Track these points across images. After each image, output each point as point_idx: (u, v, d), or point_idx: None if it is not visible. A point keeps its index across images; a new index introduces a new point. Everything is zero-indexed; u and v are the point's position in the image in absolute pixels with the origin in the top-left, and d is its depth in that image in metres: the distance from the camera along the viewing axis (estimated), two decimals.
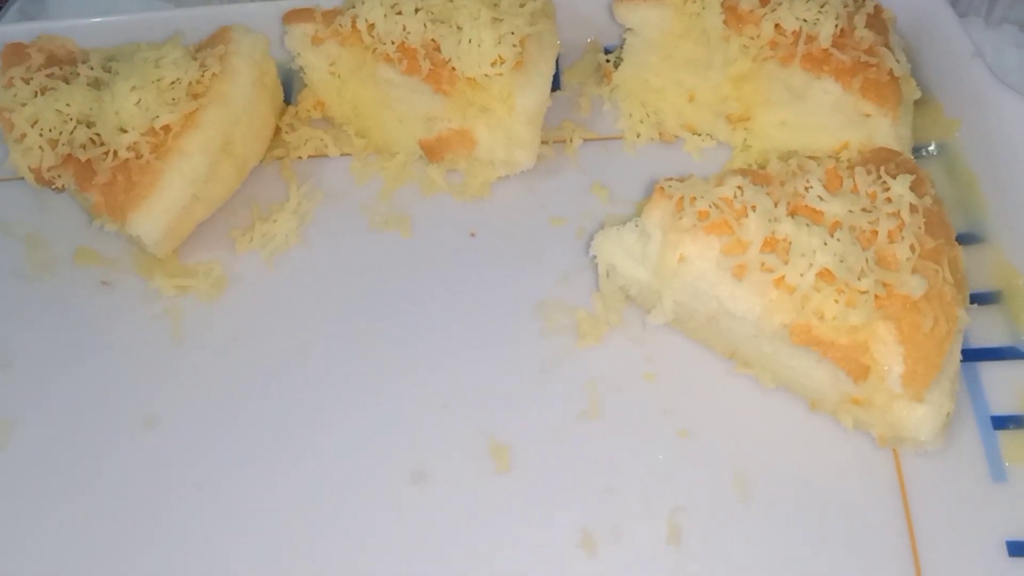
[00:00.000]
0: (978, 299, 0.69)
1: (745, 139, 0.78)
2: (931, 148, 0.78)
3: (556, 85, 0.83)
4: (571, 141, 0.81)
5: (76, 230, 0.79)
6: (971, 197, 0.74)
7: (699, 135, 0.80)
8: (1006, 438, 0.63)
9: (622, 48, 0.81)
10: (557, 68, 0.83)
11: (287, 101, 0.85)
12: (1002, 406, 0.65)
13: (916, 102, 0.75)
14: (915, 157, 0.76)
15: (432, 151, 0.78)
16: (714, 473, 0.64)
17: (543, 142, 0.79)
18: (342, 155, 0.83)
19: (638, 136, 0.81)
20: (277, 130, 0.83)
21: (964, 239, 0.71)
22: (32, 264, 0.78)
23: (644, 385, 0.68)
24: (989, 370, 0.66)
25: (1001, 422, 0.64)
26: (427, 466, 0.64)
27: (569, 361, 0.69)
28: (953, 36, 0.79)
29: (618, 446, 0.66)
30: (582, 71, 0.86)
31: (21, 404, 0.71)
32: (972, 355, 0.66)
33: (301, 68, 0.81)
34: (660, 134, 0.81)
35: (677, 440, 0.65)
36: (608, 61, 0.84)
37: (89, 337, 0.74)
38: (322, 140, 0.83)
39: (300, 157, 0.83)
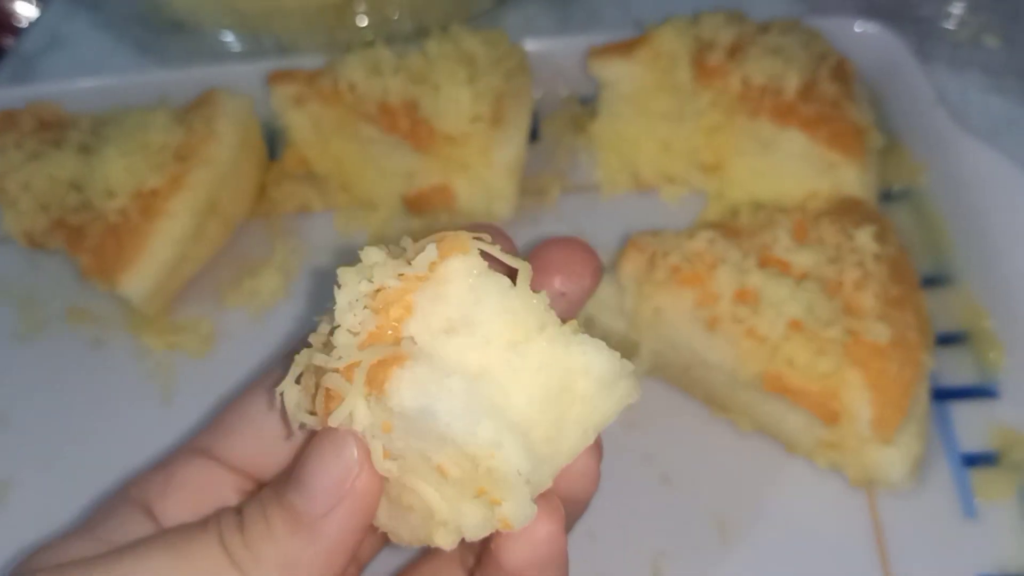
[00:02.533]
0: (947, 339, 0.71)
1: (719, 187, 0.80)
2: (897, 190, 0.81)
3: (534, 137, 0.86)
4: (550, 192, 0.83)
5: (67, 290, 0.81)
6: (938, 239, 0.77)
7: (675, 184, 0.83)
8: (977, 475, 0.65)
9: (598, 100, 0.84)
10: (535, 120, 0.85)
11: (272, 157, 0.87)
12: (972, 444, 0.67)
13: (884, 146, 0.78)
14: (883, 199, 0.79)
15: (414, 205, 0.80)
16: (695, 517, 0.65)
17: (522, 193, 0.81)
18: (326, 210, 0.85)
19: (615, 185, 0.83)
20: (262, 186, 0.85)
21: (932, 280, 0.74)
22: (24, 324, 0.80)
23: (625, 432, 0.70)
24: (959, 409, 0.68)
25: (972, 460, 0.66)
26: None
27: None
28: (916, 84, 0.82)
29: (600, 492, 0.66)
30: (559, 122, 0.88)
31: (17, 463, 0.72)
32: (942, 394, 0.69)
33: (285, 126, 0.83)
34: (637, 183, 0.83)
35: (658, 486, 0.67)
36: (585, 112, 0.86)
37: (82, 395, 0.75)
38: (307, 196, 0.84)
39: (285, 212, 0.85)
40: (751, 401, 0.64)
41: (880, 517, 0.64)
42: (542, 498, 0.40)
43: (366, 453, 0.39)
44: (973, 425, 0.67)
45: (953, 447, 0.67)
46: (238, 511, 0.42)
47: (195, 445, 0.50)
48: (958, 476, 0.65)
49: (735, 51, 0.76)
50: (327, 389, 0.39)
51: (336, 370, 0.38)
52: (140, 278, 0.72)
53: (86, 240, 0.73)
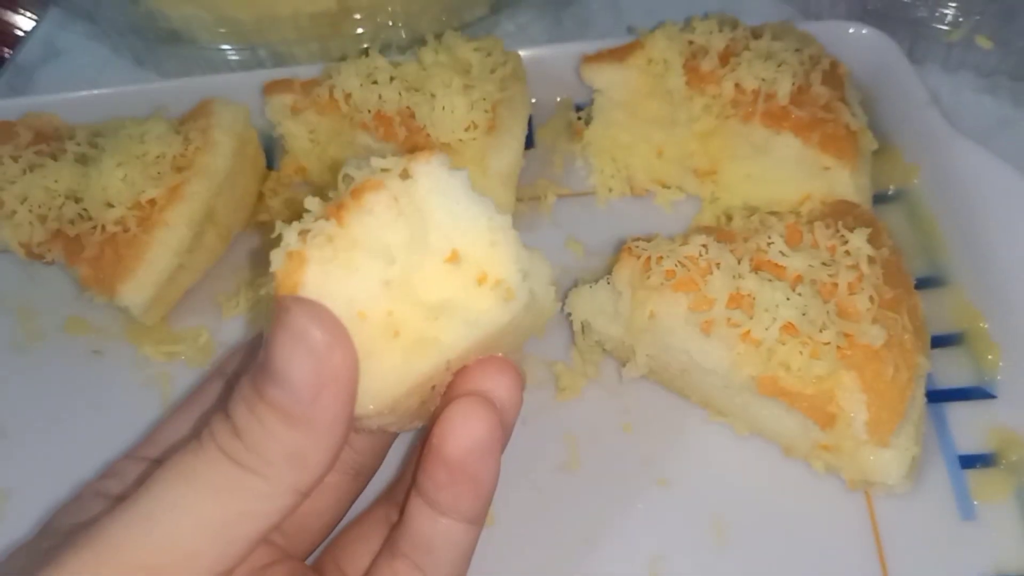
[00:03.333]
0: (942, 341, 0.71)
1: (713, 191, 0.81)
2: (891, 192, 0.81)
3: (530, 143, 0.86)
4: (545, 198, 0.84)
5: (66, 301, 0.81)
6: (932, 240, 0.77)
7: (669, 188, 0.83)
8: (974, 477, 0.65)
9: (592, 106, 0.84)
10: (530, 127, 0.86)
11: (269, 166, 0.88)
12: (969, 445, 0.67)
13: (877, 148, 0.78)
14: (877, 201, 0.79)
15: None
16: (692, 520, 0.66)
17: (518, 199, 0.82)
18: None
19: (610, 191, 0.84)
20: (260, 195, 0.86)
21: (927, 282, 0.74)
22: (24, 335, 0.80)
23: (622, 436, 0.70)
24: (955, 410, 0.68)
25: (969, 461, 0.66)
26: None
27: (548, 414, 0.71)
28: (908, 85, 0.82)
29: (598, 496, 0.67)
30: (554, 129, 0.88)
31: (16, 473, 0.72)
32: (938, 396, 0.69)
33: (282, 136, 0.84)
34: (631, 188, 0.84)
35: (656, 489, 0.67)
36: (579, 119, 0.87)
37: (82, 405, 0.75)
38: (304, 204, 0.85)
39: (283, 221, 0.85)
40: (747, 404, 0.64)
41: (878, 519, 0.64)
42: (480, 398, 0.45)
43: (335, 330, 0.40)
44: (970, 426, 0.67)
45: (950, 449, 0.67)
46: (225, 415, 0.43)
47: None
48: (955, 478, 0.65)
49: (727, 56, 0.76)
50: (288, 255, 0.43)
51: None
52: (139, 288, 0.72)
53: (84, 251, 0.73)
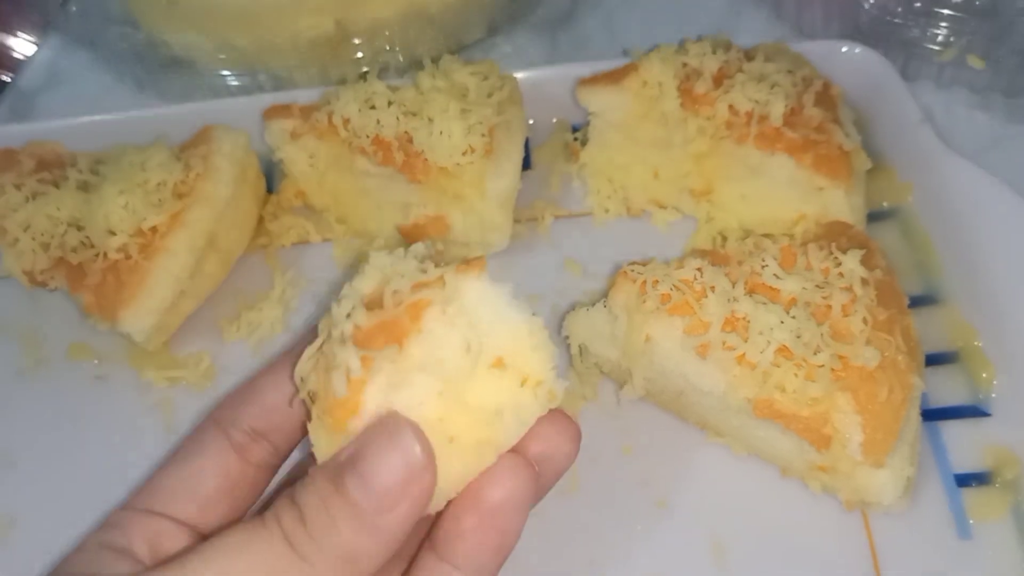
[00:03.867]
0: (937, 359, 0.72)
1: (709, 212, 0.81)
2: (885, 210, 0.82)
3: (527, 165, 0.87)
4: (543, 219, 0.85)
5: (69, 327, 0.82)
6: (927, 258, 0.77)
7: (665, 208, 0.84)
8: (970, 495, 0.66)
9: (588, 127, 0.85)
10: (527, 148, 0.87)
11: (269, 190, 0.89)
12: (965, 464, 0.67)
13: (871, 167, 0.79)
14: (871, 219, 0.80)
15: (410, 236, 0.81)
16: (692, 541, 0.66)
17: (516, 221, 0.82)
18: (324, 241, 0.86)
19: (607, 211, 0.84)
20: (260, 219, 0.86)
21: (921, 300, 0.74)
22: (27, 361, 0.81)
23: (621, 457, 0.70)
24: (950, 429, 0.69)
25: (964, 480, 0.67)
26: None
27: None
28: (902, 103, 0.83)
29: (598, 518, 0.68)
30: (551, 150, 0.89)
31: (20, 500, 0.73)
32: (933, 415, 0.69)
33: (281, 160, 0.85)
34: (628, 209, 0.84)
35: (655, 510, 0.68)
36: (576, 140, 0.88)
37: (85, 430, 0.76)
38: (304, 227, 0.86)
39: (283, 245, 0.86)
40: (743, 426, 0.65)
41: (875, 539, 0.65)
42: (523, 458, 0.48)
43: (430, 450, 0.44)
44: (965, 445, 0.68)
45: (946, 468, 0.67)
46: (292, 501, 0.44)
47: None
48: (951, 496, 0.66)
49: (721, 78, 0.77)
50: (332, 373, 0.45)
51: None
52: (141, 315, 0.73)
53: (87, 278, 0.74)
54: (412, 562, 0.51)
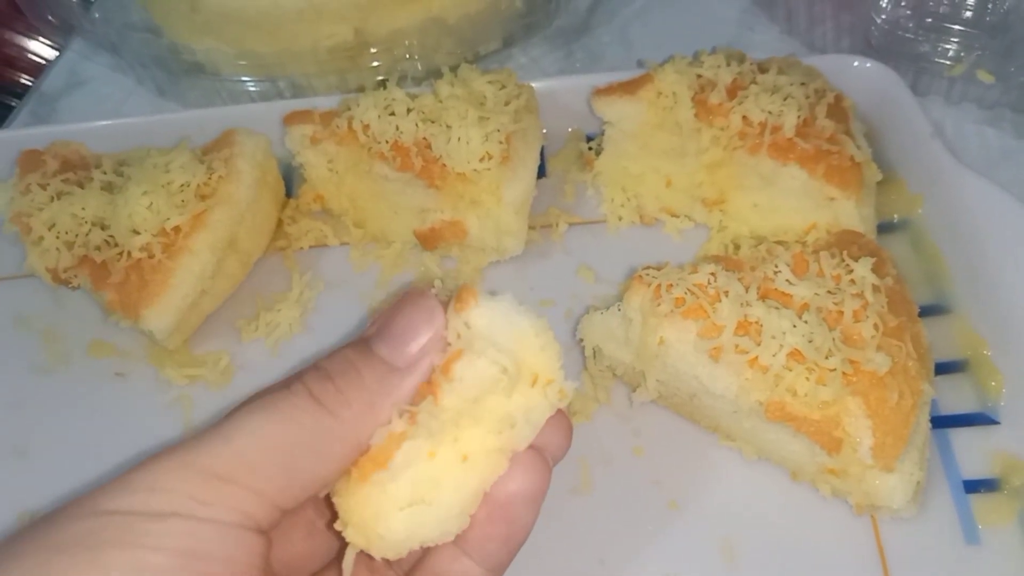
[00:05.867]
0: (946, 368, 0.72)
1: (721, 220, 0.83)
2: (896, 222, 0.83)
3: (542, 172, 0.88)
4: (557, 226, 0.86)
5: (90, 324, 0.83)
6: (936, 269, 0.78)
7: (678, 217, 0.85)
8: (978, 501, 0.67)
9: (603, 137, 0.86)
10: (542, 156, 0.88)
11: (288, 194, 0.90)
12: (973, 470, 0.68)
13: (881, 179, 0.80)
14: (882, 231, 0.81)
15: (426, 240, 0.83)
16: (702, 542, 0.67)
17: (531, 228, 0.84)
18: (341, 244, 0.87)
19: (620, 219, 0.86)
20: (279, 223, 0.88)
21: (931, 310, 0.75)
22: (49, 357, 0.82)
23: (633, 459, 0.71)
24: (959, 436, 0.70)
25: (973, 486, 0.67)
26: None
27: None
28: (912, 117, 0.84)
29: (610, 519, 0.69)
30: (566, 159, 0.91)
31: (40, 494, 0.74)
32: (942, 422, 0.70)
33: (301, 165, 0.86)
34: (641, 217, 0.86)
35: (666, 511, 0.69)
36: (590, 149, 0.89)
37: (105, 426, 0.77)
38: (322, 231, 0.87)
39: (301, 248, 0.87)
40: (755, 429, 0.66)
41: (884, 543, 0.66)
42: (539, 453, 0.51)
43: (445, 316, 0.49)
44: (974, 452, 0.69)
45: (954, 474, 0.68)
46: (317, 367, 0.48)
47: None
48: (960, 502, 0.67)
49: (735, 90, 0.78)
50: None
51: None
52: (162, 313, 0.74)
53: (110, 276, 0.75)
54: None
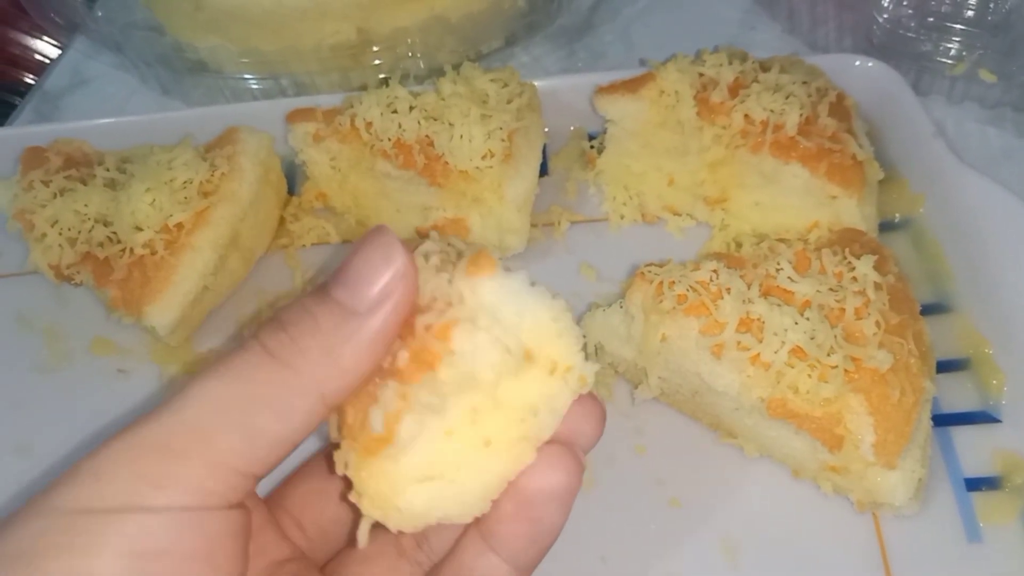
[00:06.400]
0: (948, 366, 0.73)
1: (723, 219, 0.83)
2: (897, 220, 0.83)
3: (544, 171, 0.88)
4: (559, 224, 0.86)
5: (92, 322, 0.83)
6: (938, 268, 0.79)
7: (680, 216, 0.85)
8: (980, 499, 0.67)
9: (605, 135, 0.86)
10: (544, 155, 0.88)
11: (291, 192, 0.90)
12: (975, 468, 0.68)
13: (883, 178, 0.80)
14: (884, 229, 0.81)
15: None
16: (704, 540, 0.67)
17: (533, 225, 0.84)
18: (343, 242, 0.88)
19: (622, 218, 0.86)
20: (282, 220, 0.88)
21: (932, 309, 0.76)
22: (51, 355, 0.82)
23: (635, 457, 0.71)
24: (961, 434, 0.70)
25: (974, 484, 0.67)
26: None
27: None
28: (914, 116, 0.84)
29: (612, 516, 0.69)
30: (568, 157, 0.91)
31: None
32: (944, 420, 0.70)
33: (304, 163, 0.86)
34: (643, 215, 0.86)
35: (668, 509, 0.69)
36: (592, 147, 0.89)
37: (107, 424, 0.77)
38: (324, 229, 0.87)
39: (304, 245, 0.87)
40: (757, 426, 0.66)
41: (886, 541, 0.66)
42: (570, 449, 0.48)
43: (411, 259, 0.44)
44: (975, 450, 0.69)
45: (956, 472, 0.68)
46: (274, 318, 0.44)
47: None
48: (961, 500, 0.67)
49: (737, 88, 0.78)
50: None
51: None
52: (165, 309, 0.75)
53: (113, 273, 0.75)
54: (459, 539, 0.51)
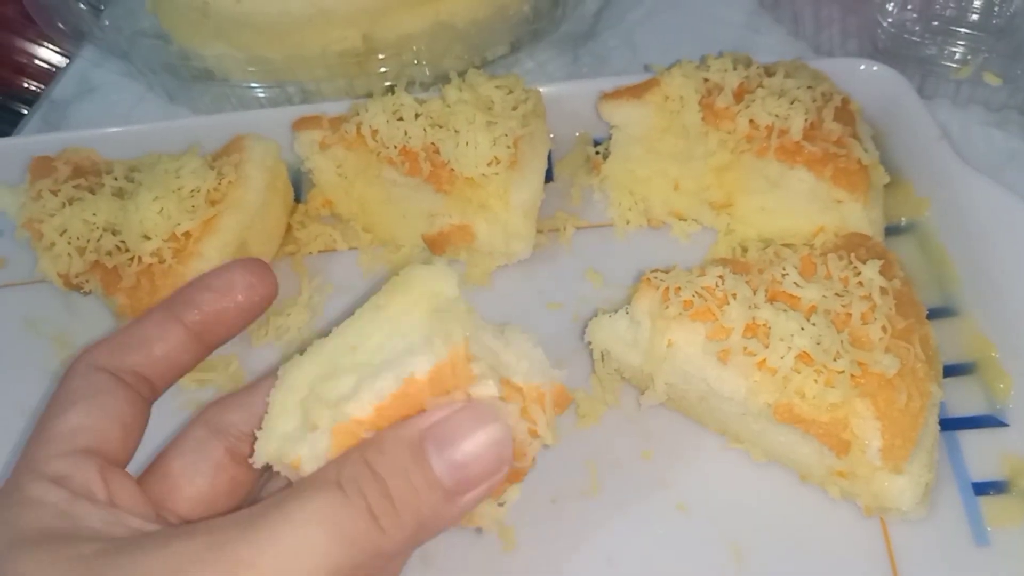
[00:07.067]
0: (955, 370, 0.72)
1: (728, 223, 0.83)
2: (903, 224, 0.83)
3: (549, 177, 0.89)
4: (564, 230, 0.86)
5: (101, 329, 0.84)
6: (944, 272, 0.79)
7: (685, 221, 0.85)
8: (987, 503, 0.67)
9: (610, 141, 0.87)
10: (550, 161, 0.88)
11: (297, 199, 0.91)
12: (982, 472, 0.68)
13: (889, 182, 0.80)
14: (889, 233, 0.81)
15: (435, 244, 0.83)
16: (711, 544, 0.67)
17: (538, 231, 0.84)
18: (350, 249, 0.88)
19: (628, 223, 0.86)
20: (288, 227, 0.88)
21: (938, 313, 0.75)
22: (60, 363, 0.83)
23: (642, 462, 0.72)
24: (968, 438, 0.70)
25: (982, 488, 0.67)
26: (429, 548, 0.67)
27: (569, 440, 0.73)
28: (919, 120, 0.84)
29: (619, 521, 0.69)
30: (573, 163, 0.91)
31: None
32: (951, 424, 0.70)
33: (310, 170, 0.87)
34: (648, 220, 0.86)
35: (675, 514, 0.69)
36: (597, 153, 0.89)
37: None
38: (331, 235, 0.88)
39: (311, 252, 0.88)
40: (763, 431, 0.66)
41: (893, 545, 0.65)
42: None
43: (509, 436, 0.46)
44: (982, 454, 0.69)
45: (963, 476, 0.68)
46: (373, 471, 0.45)
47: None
48: (969, 504, 0.67)
49: (742, 93, 0.78)
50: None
51: None
52: None
53: (121, 281, 0.76)
54: None
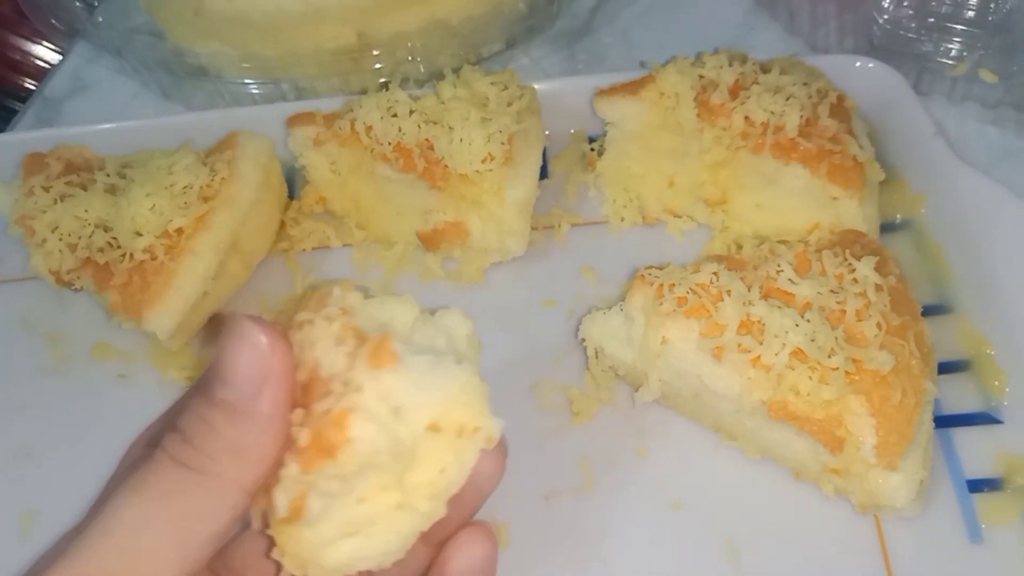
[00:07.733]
0: (949, 367, 0.72)
1: (723, 220, 0.83)
2: (898, 221, 0.83)
3: (544, 174, 0.88)
4: (559, 227, 0.86)
5: (93, 326, 0.84)
6: (939, 269, 0.78)
7: (680, 217, 0.85)
8: (982, 500, 0.67)
9: (605, 137, 0.86)
10: (544, 158, 0.88)
11: (291, 196, 0.90)
12: (976, 470, 0.68)
13: (884, 178, 0.80)
14: (884, 230, 0.81)
15: (429, 241, 0.83)
16: (705, 542, 0.67)
17: (533, 228, 0.84)
18: (344, 246, 0.88)
19: (622, 220, 0.86)
20: (282, 224, 0.88)
21: (933, 310, 0.75)
22: (52, 359, 0.82)
23: (636, 459, 0.71)
24: (962, 435, 0.70)
25: (976, 485, 0.67)
26: None
27: (563, 438, 0.73)
28: (915, 117, 0.84)
29: (613, 518, 0.69)
30: (568, 160, 0.91)
31: (44, 494, 0.74)
32: (945, 421, 0.70)
33: (304, 167, 0.86)
34: (643, 217, 0.86)
35: (669, 511, 0.69)
36: (592, 150, 0.89)
37: (108, 428, 0.77)
38: (325, 232, 0.87)
39: (304, 249, 0.88)
40: (758, 428, 0.66)
41: (887, 542, 0.65)
42: (480, 526, 0.53)
43: (275, 334, 0.45)
44: (977, 451, 0.69)
45: (958, 473, 0.68)
46: (174, 429, 0.46)
47: None
48: (963, 502, 0.67)
49: (737, 90, 0.78)
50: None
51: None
52: (165, 314, 0.75)
53: (113, 278, 0.75)
54: None
